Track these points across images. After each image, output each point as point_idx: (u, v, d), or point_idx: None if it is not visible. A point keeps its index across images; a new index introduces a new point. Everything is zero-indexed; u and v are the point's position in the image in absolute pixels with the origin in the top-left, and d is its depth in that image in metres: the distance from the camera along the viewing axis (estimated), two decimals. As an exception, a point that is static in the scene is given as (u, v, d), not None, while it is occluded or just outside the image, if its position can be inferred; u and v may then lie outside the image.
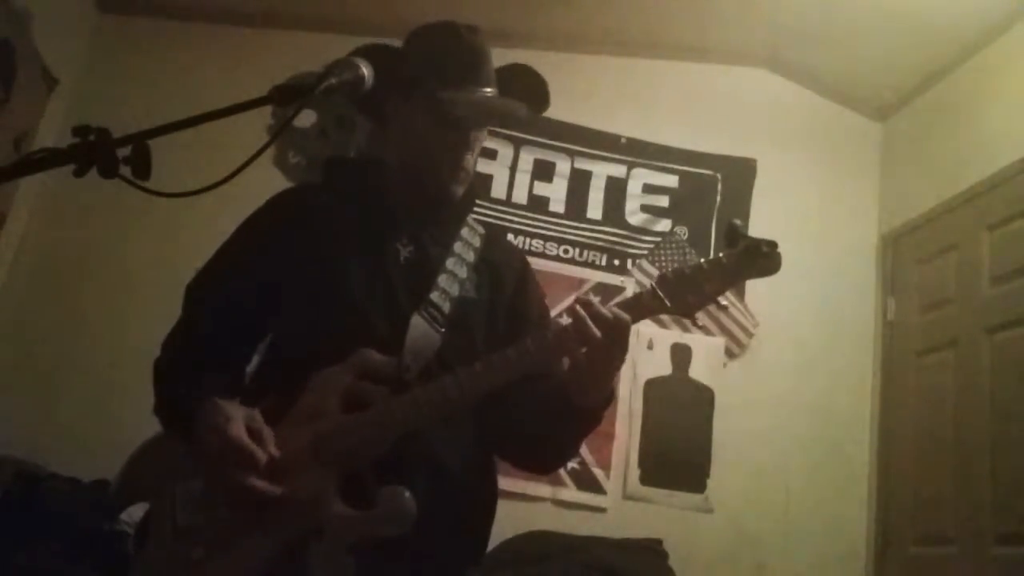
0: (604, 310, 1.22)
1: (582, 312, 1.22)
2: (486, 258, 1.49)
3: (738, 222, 1.33)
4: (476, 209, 1.58)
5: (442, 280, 1.40)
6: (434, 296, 1.38)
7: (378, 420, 1.23)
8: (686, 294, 1.27)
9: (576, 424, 1.35)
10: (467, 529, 1.37)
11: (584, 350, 1.23)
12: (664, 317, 3.31)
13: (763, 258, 1.27)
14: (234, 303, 1.40)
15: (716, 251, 1.30)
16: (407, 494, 1.17)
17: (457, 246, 1.46)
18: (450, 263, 1.43)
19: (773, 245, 1.27)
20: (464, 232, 1.49)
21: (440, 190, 1.45)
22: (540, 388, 1.34)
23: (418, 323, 1.34)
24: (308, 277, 1.37)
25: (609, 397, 1.33)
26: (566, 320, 1.27)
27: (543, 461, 1.51)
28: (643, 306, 1.27)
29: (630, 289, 3.38)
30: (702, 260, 1.29)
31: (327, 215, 1.44)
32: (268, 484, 1.18)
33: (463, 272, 1.43)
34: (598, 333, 1.20)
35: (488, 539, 1.44)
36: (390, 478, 1.20)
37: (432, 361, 1.33)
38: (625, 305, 1.27)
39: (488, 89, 1.42)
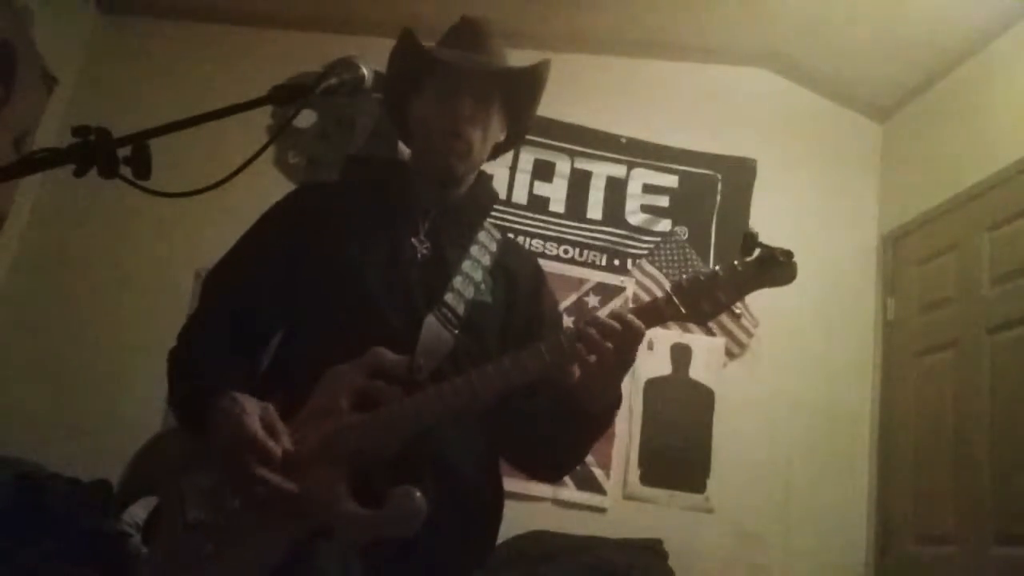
0: (613, 323, 1.22)
1: (591, 331, 1.22)
2: (501, 263, 1.49)
3: (755, 231, 1.32)
4: None
5: (457, 282, 1.40)
6: (449, 298, 1.38)
7: (389, 420, 1.22)
8: (701, 302, 1.27)
9: (586, 429, 1.35)
10: (474, 531, 1.37)
11: (594, 358, 1.23)
12: (664, 317, 3.31)
13: (778, 267, 1.27)
14: (250, 296, 1.40)
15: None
16: (418, 494, 1.17)
17: (474, 249, 1.47)
18: (466, 266, 1.43)
19: (789, 255, 1.27)
20: (481, 236, 1.50)
21: (442, 166, 1.44)
22: (549, 394, 1.33)
23: (432, 324, 1.34)
24: (324, 273, 1.37)
25: (618, 400, 1.33)
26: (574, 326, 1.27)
27: (553, 467, 1.51)
28: (659, 312, 1.27)
29: (630, 289, 3.39)
30: (717, 268, 1.28)
31: (345, 211, 1.44)
32: (282, 479, 1.18)
33: (478, 275, 1.44)
34: (610, 346, 1.21)
35: (495, 541, 1.43)
36: (400, 478, 1.20)
37: (445, 362, 1.33)
38: (641, 311, 1.27)
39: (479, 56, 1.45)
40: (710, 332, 3.33)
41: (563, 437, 1.37)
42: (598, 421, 1.33)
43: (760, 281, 1.28)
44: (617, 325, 1.22)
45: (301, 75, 3.05)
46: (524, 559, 2.67)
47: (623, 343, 1.22)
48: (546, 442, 1.38)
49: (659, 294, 1.29)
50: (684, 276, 1.29)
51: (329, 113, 3.45)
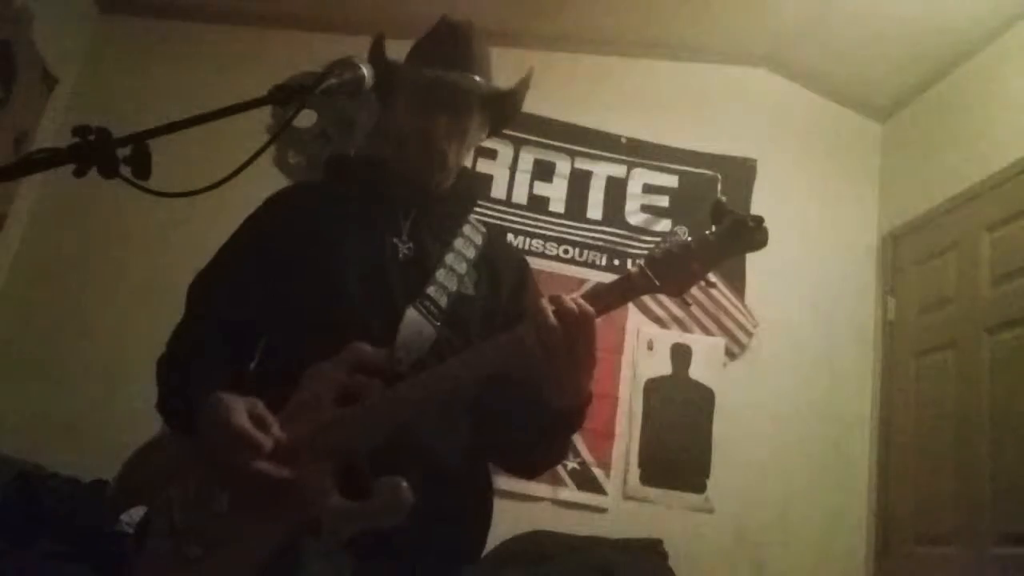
0: (571, 304, 1.20)
1: (544, 304, 1.20)
2: (486, 257, 1.49)
3: (723, 198, 1.32)
4: (476, 209, 1.59)
5: (440, 275, 1.41)
6: (431, 290, 1.38)
7: (371, 412, 1.23)
8: (675, 273, 1.26)
9: (553, 427, 1.33)
10: (462, 523, 1.37)
11: (543, 342, 1.19)
12: (664, 316, 3.32)
13: (749, 233, 1.25)
14: (235, 301, 1.40)
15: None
16: (404, 484, 1.17)
17: (458, 243, 1.47)
18: (449, 259, 1.43)
19: (759, 220, 1.25)
20: (466, 229, 1.50)
21: (418, 175, 1.44)
22: (521, 388, 1.31)
23: (413, 316, 1.34)
24: (305, 276, 1.37)
25: (587, 398, 1.29)
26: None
27: (527, 467, 1.49)
28: (633, 287, 1.26)
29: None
30: (689, 239, 1.27)
31: (326, 212, 1.45)
32: (276, 467, 1.17)
33: (462, 268, 1.44)
34: (553, 321, 1.18)
35: (485, 535, 1.43)
36: (386, 470, 1.19)
37: (427, 355, 1.33)
38: (614, 286, 1.25)
39: (458, 71, 1.43)
40: (709, 332, 3.33)
41: (533, 436, 1.35)
42: (565, 419, 1.31)
43: (732, 248, 1.26)
44: (571, 306, 1.19)
45: (301, 75, 3.06)
46: (524, 559, 2.67)
47: (574, 326, 1.19)
48: (518, 441, 1.38)
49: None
50: (657, 249, 1.27)
51: (329, 113, 3.45)
